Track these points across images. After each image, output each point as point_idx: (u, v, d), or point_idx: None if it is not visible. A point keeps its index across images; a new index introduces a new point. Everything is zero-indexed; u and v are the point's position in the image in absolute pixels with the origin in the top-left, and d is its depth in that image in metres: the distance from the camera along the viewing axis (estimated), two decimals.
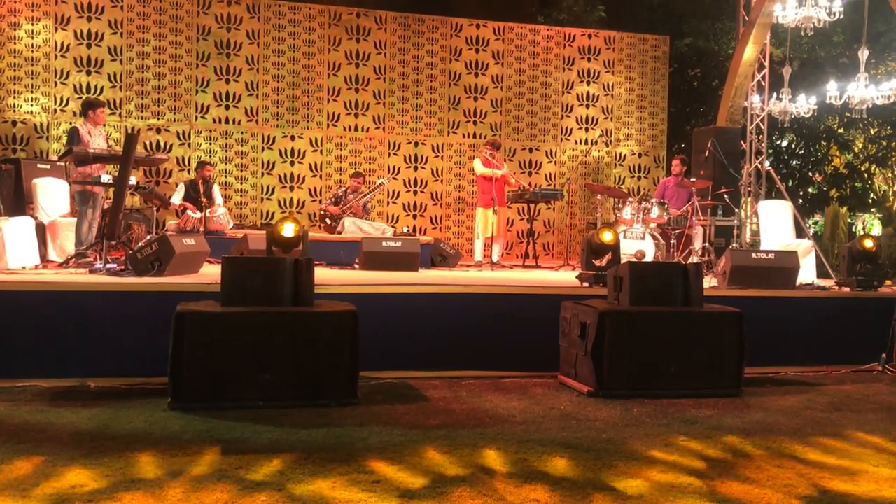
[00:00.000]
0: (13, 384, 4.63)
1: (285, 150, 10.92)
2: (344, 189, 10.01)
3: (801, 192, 17.37)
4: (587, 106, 12.04)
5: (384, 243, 7.67)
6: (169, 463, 3.27)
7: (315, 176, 11.02)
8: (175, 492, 2.94)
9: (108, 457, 3.33)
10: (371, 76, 11.19)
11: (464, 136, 11.56)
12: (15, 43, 10.01)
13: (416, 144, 11.39)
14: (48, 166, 8.98)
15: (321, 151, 11.05)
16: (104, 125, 7.49)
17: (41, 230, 7.45)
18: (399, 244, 7.63)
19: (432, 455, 3.50)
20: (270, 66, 10.84)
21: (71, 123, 7.61)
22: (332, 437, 3.74)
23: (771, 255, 6.63)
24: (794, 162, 17.66)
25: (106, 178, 6.85)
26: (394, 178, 11.16)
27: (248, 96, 10.76)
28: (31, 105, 10.07)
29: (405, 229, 10.50)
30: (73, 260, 6.56)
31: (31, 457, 3.31)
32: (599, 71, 12.06)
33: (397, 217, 11.29)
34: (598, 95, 12.07)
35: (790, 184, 16.53)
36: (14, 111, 10.02)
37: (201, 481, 3.06)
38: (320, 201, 10.63)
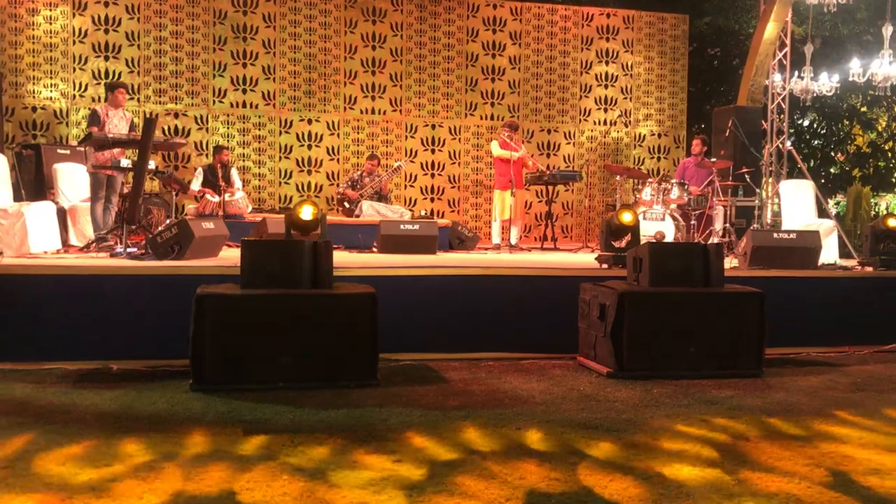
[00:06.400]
0: (39, 367, 4.70)
1: (302, 134, 10.93)
2: (360, 172, 10.01)
3: (823, 172, 17.13)
4: (606, 86, 11.94)
5: (402, 226, 7.67)
6: (191, 443, 3.31)
7: (332, 160, 11.03)
8: (197, 471, 2.97)
9: (130, 438, 3.37)
10: (388, 58, 11.15)
11: (481, 118, 11.50)
12: (33, 29, 10.07)
13: (434, 127, 11.36)
14: (68, 151, 9.05)
15: (338, 135, 11.04)
16: (124, 108, 7.51)
17: (62, 215, 7.52)
18: (417, 227, 7.62)
19: (452, 435, 3.50)
20: (287, 49, 10.83)
21: (90, 109, 7.65)
22: (353, 418, 3.76)
23: (792, 235, 6.57)
24: (816, 141, 17.41)
25: (125, 162, 6.90)
26: (410, 162, 11.14)
27: (264, 80, 10.77)
28: (51, 91, 10.14)
29: (423, 212, 10.50)
30: (94, 244, 6.61)
31: (56, 437, 3.35)
32: (618, 51, 11.95)
33: (415, 200, 11.28)
34: (616, 75, 11.96)
35: (812, 164, 16.32)
36: (34, 97, 10.10)
37: (223, 461, 3.08)
38: (338, 185, 10.65)
